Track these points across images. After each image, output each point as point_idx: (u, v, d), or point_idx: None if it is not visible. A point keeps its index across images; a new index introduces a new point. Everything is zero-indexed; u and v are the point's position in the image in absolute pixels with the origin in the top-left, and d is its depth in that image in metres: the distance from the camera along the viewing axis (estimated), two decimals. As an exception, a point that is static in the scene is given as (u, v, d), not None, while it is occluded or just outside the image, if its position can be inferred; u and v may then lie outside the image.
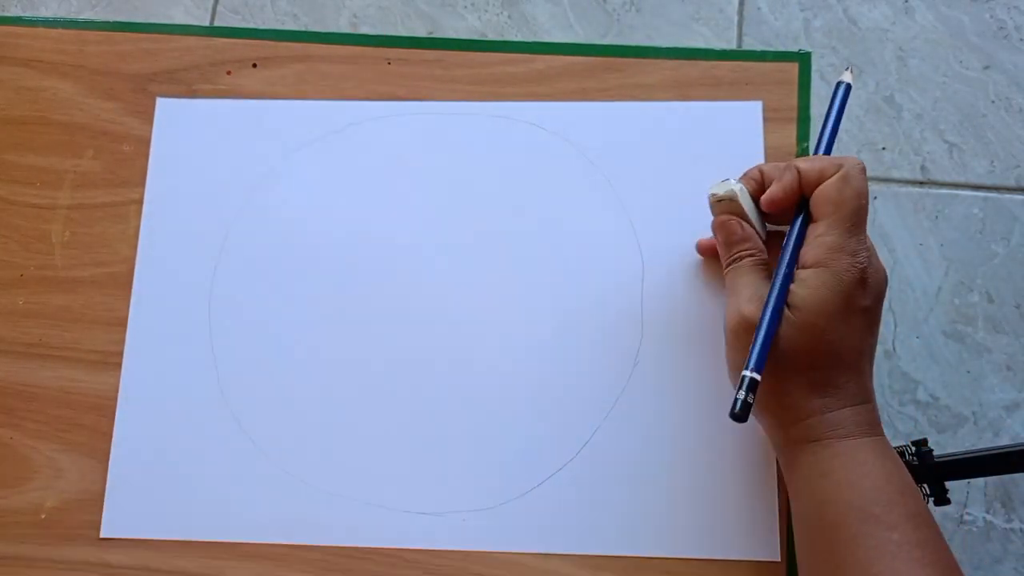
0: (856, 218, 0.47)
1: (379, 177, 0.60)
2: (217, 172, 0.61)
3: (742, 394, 0.45)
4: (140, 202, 0.61)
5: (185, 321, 0.58)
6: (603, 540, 0.54)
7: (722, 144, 0.60)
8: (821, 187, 0.48)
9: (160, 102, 0.62)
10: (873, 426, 0.48)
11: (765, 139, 0.60)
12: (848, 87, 0.53)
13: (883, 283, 0.49)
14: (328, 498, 0.55)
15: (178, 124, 0.62)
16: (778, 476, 0.54)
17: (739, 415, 0.45)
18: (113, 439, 0.57)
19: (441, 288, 0.58)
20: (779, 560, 0.53)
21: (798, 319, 0.47)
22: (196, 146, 0.61)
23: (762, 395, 0.47)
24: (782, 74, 0.61)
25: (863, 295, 0.47)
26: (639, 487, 0.55)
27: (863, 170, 0.48)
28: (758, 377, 0.46)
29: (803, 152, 0.59)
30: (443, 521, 0.55)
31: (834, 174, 0.48)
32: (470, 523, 0.55)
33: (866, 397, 0.48)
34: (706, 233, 0.55)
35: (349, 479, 0.56)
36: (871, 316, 0.48)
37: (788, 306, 0.47)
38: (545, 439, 0.56)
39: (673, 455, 0.55)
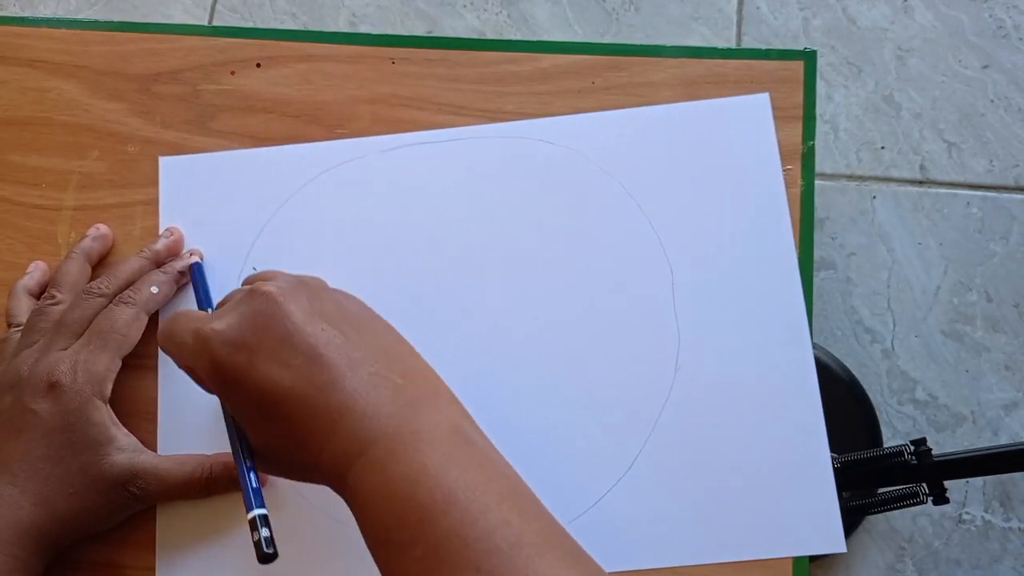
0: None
1: (394, 210, 0.60)
2: (230, 223, 0.60)
3: (262, 533, 0.42)
4: (145, 203, 0.60)
5: None
6: (659, 553, 0.53)
7: (734, 140, 0.60)
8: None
9: (163, 161, 0.61)
10: (366, 442, 0.42)
11: (776, 130, 0.60)
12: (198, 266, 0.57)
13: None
14: None
15: (183, 181, 0.61)
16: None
17: (267, 555, 0.41)
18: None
19: (470, 317, 0.57)
20: (845, 551, 0.53)
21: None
22: (204, 201, 0.60)
23: (283, 469, 0.46)
24: (787, 72, 0.61)
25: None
26: (695, 494, 0.54)
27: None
28: (265, 511, 0.43)
29: (809, 151, 0.59)
30: None
31: None
32: None
33: (344, 408, 0.42)
34: (731, 233, 0.55)
35: None
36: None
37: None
38: (595, 457, 0.55)
39: (726, 457, 0.55)
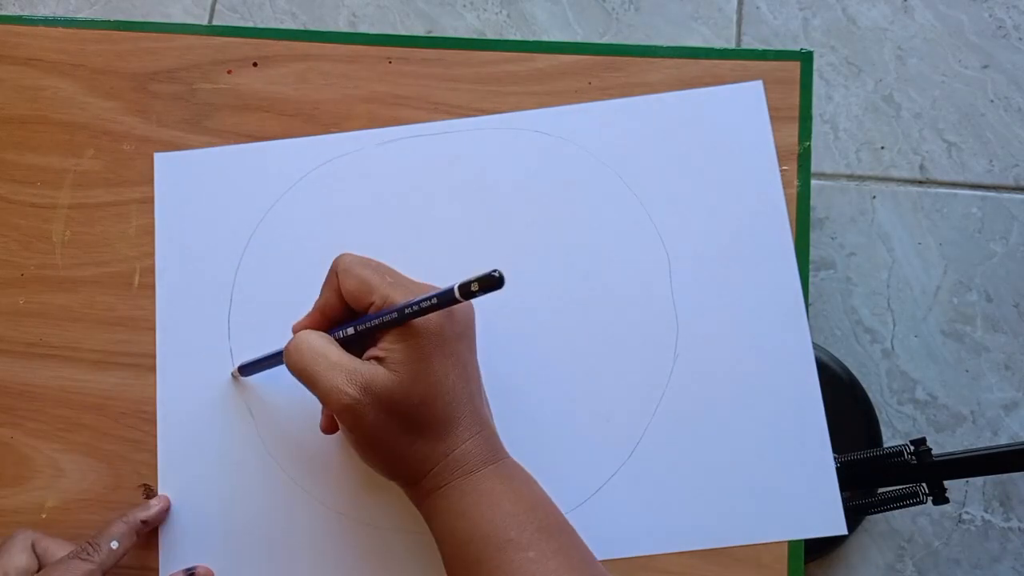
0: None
1: (390, 203, 0.60)
2: (226, 219, 0.60)
3: (475, 287, 0.41)
4: (140, 201, 0.60)
5: (210, 367, 0.57)
6: (661, 540, 0.54)
7: (728, 127, 0.60)
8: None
9: (158, 157, 0.61)
10: (495, 452, 0.47)
11: (773, 130, 0.60)
12: None
13: (468, 315, 0.49)
14: (378, 532, 0.55)
15: (178, 177, 0.61)
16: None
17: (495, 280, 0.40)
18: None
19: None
20: (846, 533, 0.53)
21: (395, 381, 0.45)
22: (199, 197, 0.60)
23: (388, 461, 0.47)
24: (783, 73, 0.61)
25: (451, 335, 0.46)
26: (695, 481, 0.55)
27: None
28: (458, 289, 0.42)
29: (805, 152, 0.59)
30: None
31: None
32: None
33: (481, 425, 0.48)
34: (727, 219, 0.55)
35: (404, 511, 0.54)
36: (463, 349, 0.47)
37: (382, 366, 0.46)
38: (596, 446, 0.55)
39: (725, 443, 0.55)
